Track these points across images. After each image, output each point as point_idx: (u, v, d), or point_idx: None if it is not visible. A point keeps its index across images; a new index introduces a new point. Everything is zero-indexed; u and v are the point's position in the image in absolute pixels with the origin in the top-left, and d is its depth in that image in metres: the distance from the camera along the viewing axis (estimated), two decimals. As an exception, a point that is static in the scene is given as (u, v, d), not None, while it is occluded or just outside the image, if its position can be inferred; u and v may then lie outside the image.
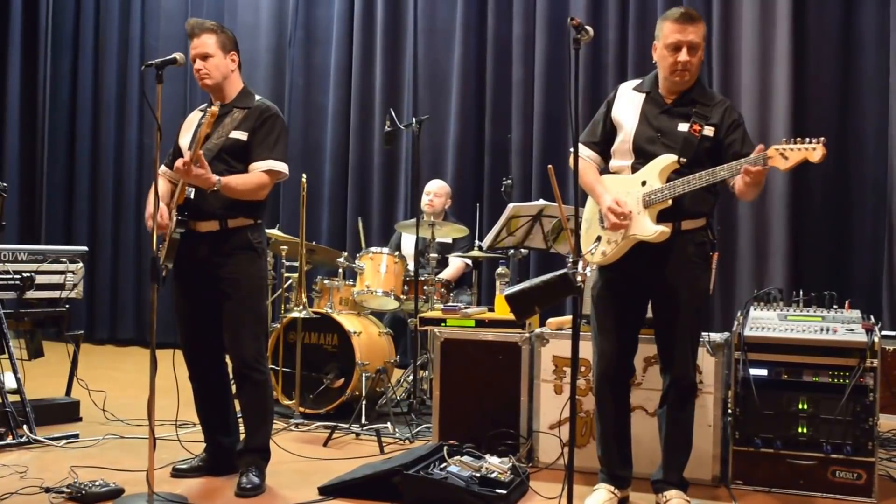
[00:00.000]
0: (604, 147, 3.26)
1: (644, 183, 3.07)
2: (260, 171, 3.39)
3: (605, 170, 3.27)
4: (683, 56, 3.04)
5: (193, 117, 3.64)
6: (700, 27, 3.07)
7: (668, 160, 3.04)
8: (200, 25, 3.46)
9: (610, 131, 3.24)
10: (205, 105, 3.65)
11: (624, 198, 3.07)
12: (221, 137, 3.41)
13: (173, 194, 3.37)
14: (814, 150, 2.79)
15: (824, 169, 5.65)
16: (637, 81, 3.28)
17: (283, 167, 3.45)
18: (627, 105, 3.21)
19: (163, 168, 3.60)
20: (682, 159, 3.03)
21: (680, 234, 3.07)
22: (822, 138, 2.80)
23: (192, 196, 3.33)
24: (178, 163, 3.21)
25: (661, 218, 3.04)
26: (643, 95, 3.20)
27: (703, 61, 3.15)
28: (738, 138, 3.06)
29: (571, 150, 3.11)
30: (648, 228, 3.02)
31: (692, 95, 3.14)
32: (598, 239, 3.16)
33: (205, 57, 3.42)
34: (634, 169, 3.12)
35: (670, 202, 3.01)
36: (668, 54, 3.07)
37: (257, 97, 3.54)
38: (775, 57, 5.65)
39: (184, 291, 3.50)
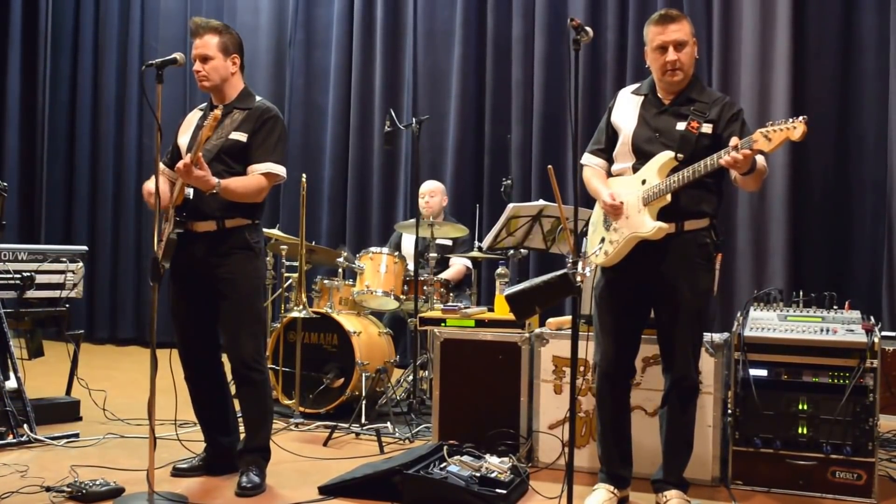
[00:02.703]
0: (610, 153, 3.27)
1: (644, 181, 3.08)
2: (258, 175, 3.37)
3: (610, 175, 3.28)
4: (671, 55, 3.06)
5: (192, 117, 3.62)
6: (682, 24, 3.09)
7: (665, 157, 3.05)
8: (205, 25, 3.42)
9: (612, 136, 3.26)
10: (204, 105, 3.63)
11: (626, 197, 3.08)
12: (221, 138, 3.40)
13: (171, 193, 3.36)
14: (794, 129, 2.78)
15: (824, 169, 5.68)
16: (636, 85, 3.30)
17: (281, 170, 3.43)
18: (626, 108, 3.23)
19: (161, 167, 3.58)
20: (678, 155, 3.04)
21: (682, 235, 3.07)
22: (803, 116, 2.79)
23: (190, 197, 3.32)
24: (179, 164, 3.20)
25: (664, 218, 3.04)
26: (641, 98, 3.22)
27: (696, 58, 3.16)
28: (735, 129, 3.05)
29: (581, 162, 3.25)
30: (647, 225, 3.03)
31: (690, 94, 3.14)
32: (603, 240, 3.17)
33: (205, 59, 3.38)
34: (635, 169, 3.14)
35: (669, 198, 3.01)
36: (657, 56, 3.11)
37: (257, 98, 3.52)
38: (775, 58, 5.65)
39: (181, 292, 3.49)
